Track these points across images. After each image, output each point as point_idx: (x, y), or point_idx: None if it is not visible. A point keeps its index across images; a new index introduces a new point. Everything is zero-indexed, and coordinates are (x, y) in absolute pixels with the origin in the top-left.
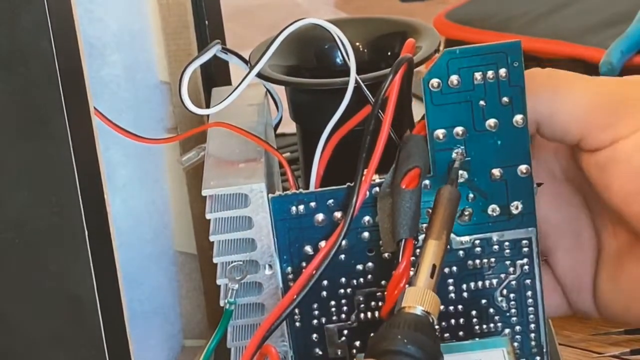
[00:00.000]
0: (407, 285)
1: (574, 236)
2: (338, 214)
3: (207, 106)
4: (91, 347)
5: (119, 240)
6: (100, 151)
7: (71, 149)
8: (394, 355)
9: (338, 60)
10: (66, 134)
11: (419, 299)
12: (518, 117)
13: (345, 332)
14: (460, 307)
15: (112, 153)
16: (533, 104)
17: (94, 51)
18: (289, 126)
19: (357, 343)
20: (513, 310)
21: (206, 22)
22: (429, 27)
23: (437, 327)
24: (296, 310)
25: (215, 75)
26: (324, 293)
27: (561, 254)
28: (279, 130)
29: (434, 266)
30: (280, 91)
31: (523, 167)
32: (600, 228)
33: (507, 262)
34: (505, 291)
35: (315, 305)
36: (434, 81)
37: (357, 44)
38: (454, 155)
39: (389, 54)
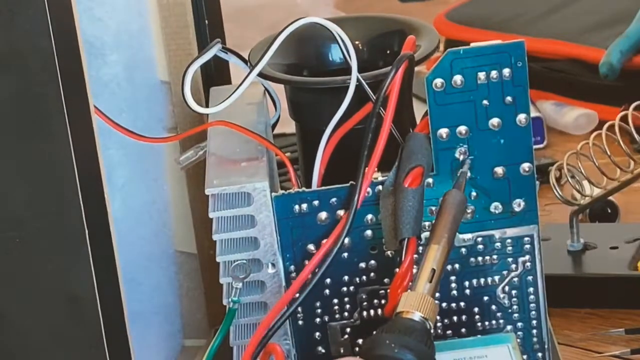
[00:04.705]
0: (408, 290)
1: None
2: (341, 212)
3: (206, 105)
4: (91, 346)
5: (119, 239)
6: (100, 151)
7: (71, 148)
8: None
9: (336, 58)
10: (66, 133)
11: (417, 304)
12: (521, 116)
13: (348, 330)
14: (462, 304)
15: (112, 153)
16: None
17: (94, 50)
18: (287, 126)
19: (360, 341)
20: (515, 307)
21: (206, 21)
22: (427, 25)
23: (439, 324)
24: (299, 309)
25: (215, 75)
26: (327, 291)
27: None
28: (279, 131)
29: (433, 270)
30: (278, 90)
31: (526, 166)
32: None
33: (509, 259)
34: (507, 288)
35: (318, 304)
36: (438, 81)
37: (356, 42)
38: (458, 154)
39: (388, 52)
